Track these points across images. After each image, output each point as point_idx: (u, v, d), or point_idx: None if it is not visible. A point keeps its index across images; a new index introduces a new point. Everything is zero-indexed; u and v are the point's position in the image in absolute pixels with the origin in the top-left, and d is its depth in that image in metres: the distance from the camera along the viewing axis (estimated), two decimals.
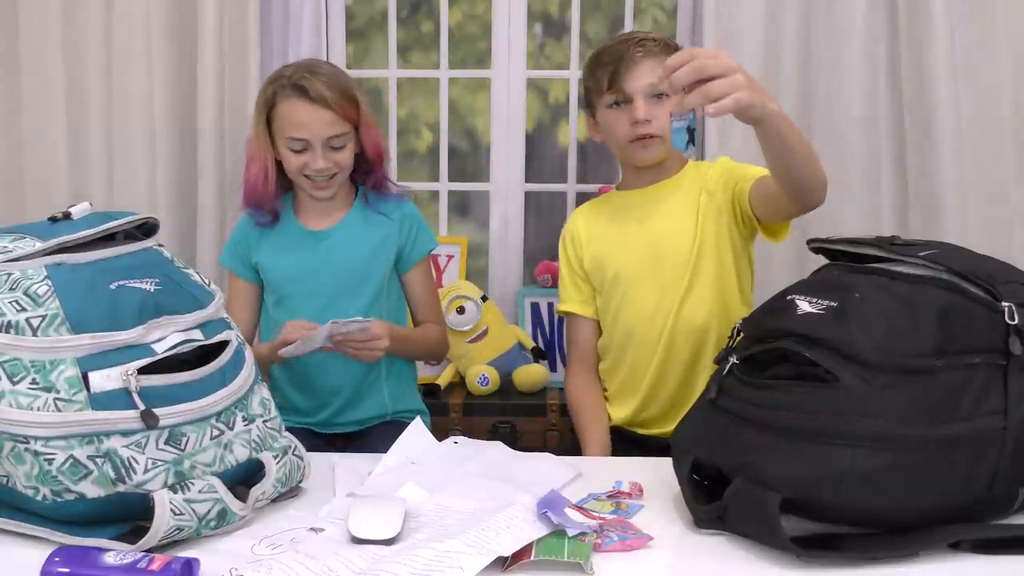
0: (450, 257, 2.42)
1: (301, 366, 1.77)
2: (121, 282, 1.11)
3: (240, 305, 1.84)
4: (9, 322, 1.04)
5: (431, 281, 1.90)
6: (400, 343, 1.73)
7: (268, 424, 1.21)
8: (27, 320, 1.04)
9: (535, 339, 2.38)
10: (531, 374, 2.27)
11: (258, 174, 1.77)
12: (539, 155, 2.56)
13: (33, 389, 1.02)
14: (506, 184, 2.47)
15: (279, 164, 1.77)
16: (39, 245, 1.09)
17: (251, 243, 1.81)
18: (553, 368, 2.36)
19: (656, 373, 1.72)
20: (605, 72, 1.70)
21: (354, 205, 1.83)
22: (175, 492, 1.05)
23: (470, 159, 2.59)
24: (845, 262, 1.20)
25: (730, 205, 1.68)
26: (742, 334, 1.20)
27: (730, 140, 2.20)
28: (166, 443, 1.06)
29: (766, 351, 1.13)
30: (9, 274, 1.07)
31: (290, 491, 1.22)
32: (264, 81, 1.79)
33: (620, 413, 1.78)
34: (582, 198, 2.47)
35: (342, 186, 1.80)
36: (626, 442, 1.75)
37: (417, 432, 1.43)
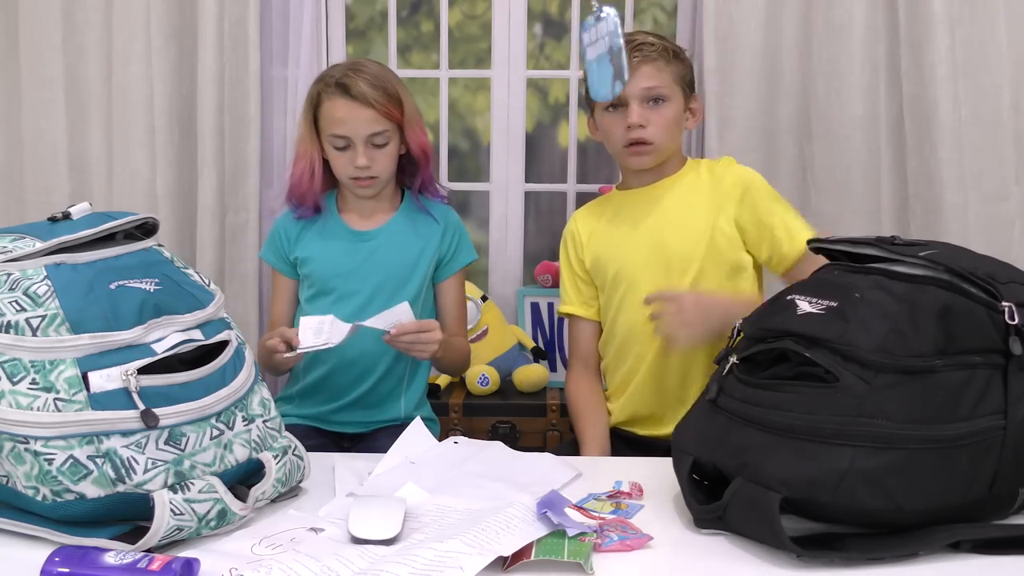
0: None
1: (331, 363, 1.77)
2: (121, 282, 1.11)
3: (282, 299, 1.86)
4: (9, 322, 1.04)
5: (463, 294, 1.90)
6: (444, 348, 1.71)
7: (268, 424, 1.21)
8: (27, 320, 1.04)
9: (535, 339, 2.38)
10: (531, 374, 2.27)
11: (304, 170, 1.78)
12: (539, 155, 2.56)
13: (33, 389, 1.02)
14: (506, 184, 2.47)
15: (326, 163, 1.78)
16: (39, 245, 1.09)
17: (291, 238, 1.83)
18: (553, 368, 2.36)
19: (653, 372, 1.72)
20: None
21: (400, 209, 1.83)
22: (175, 492, 1.05)
23: (470, 159, 2.59)
24: (845, 262, 1.20)
25: (744, 229, 1.68)
26: (742, 334, 1.20)
27: (730, 138, 2.20)
28: (166, 443, 1.06)
29: (766, 351, 1.13)
30: (9, 274, 1.07)
31: (290, 491, 1.22)
32: (312, 81, 1.80)
33: (618, 412, 1.78)
34: (582, 198, 2.47)
35: (387, 187, 1.81)
36: (624, 443, 1.75)
37: (417, 432, 1.43)
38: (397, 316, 1.59)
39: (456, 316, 1.86)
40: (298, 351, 1.57)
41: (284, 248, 1.84)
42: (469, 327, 2.26)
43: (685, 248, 1.69)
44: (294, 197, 1.82)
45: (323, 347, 1.55)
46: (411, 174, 1.83)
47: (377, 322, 1.58)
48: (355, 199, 1.82)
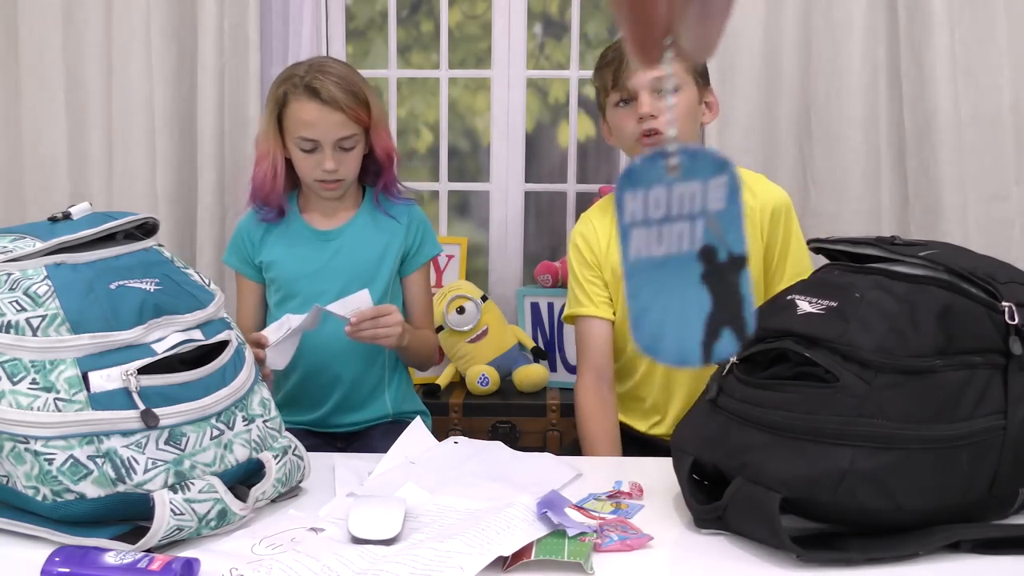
0: (450, 257, 2.42)
1: (308, 365, 1.77)
2: (121, 282, 1.11)
3: (248, 304, 1.84)
4: (9, 322, 1.04)
5: (429, 287, 1.89)
6: (409, 335, 1.71)
7: (268, 424, 1.21)
8: (27, 320, 1.04)
9: (535, 339, 2.38)
10: (531, 374, 2.27)
11: (267, 172, 1.76)
12: (539, 155, 2.56)
13: (33, 389, 1.02)
14: (506, 184, 2.47)
15: (288, 162, 1.77)
16: (39, 245, 1.09)
17: (255, 241, 1.81)
18: (553, 368, 2.36)
19: (670, 378, 1.70)
20: (609, 70, 1.66)
21: (362, 206, 1.82)
22: (175, 492, 1.05)
23: (470, 159, 2.59)
24: (845, 262, 1.20)
25: (763, 246, 1.65)
26: None
27: (730, 138, 2.20)
28: (166, 443, 1.06)
29: (766, 351, 1.13)
30: (9, 274, 1.07)
31: (290, 491, 1.22)
32: (275, 79, 1.78)
33: (636, 423, 1.74)
34: (582, 198, 2.48)
35: (350, 186, 1.80)
36: (624, 440, 1.73)
37: (417, 432, 1.43)
38: (357, 303, 1.59)
39: (423, 309, 1.86)
40: (268, 347, 1.56)
41: (248, 251, 1.81)
42: (469, 327, 2.26)
43: None
44: (258, 198, 1.79)
45: (288, 332, 1.56)
46: (374, 173, 1.81)
47: (338, 307, 1.58)
48: (317, 199, 1.80)
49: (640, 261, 0.45)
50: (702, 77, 1.68)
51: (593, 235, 1.73)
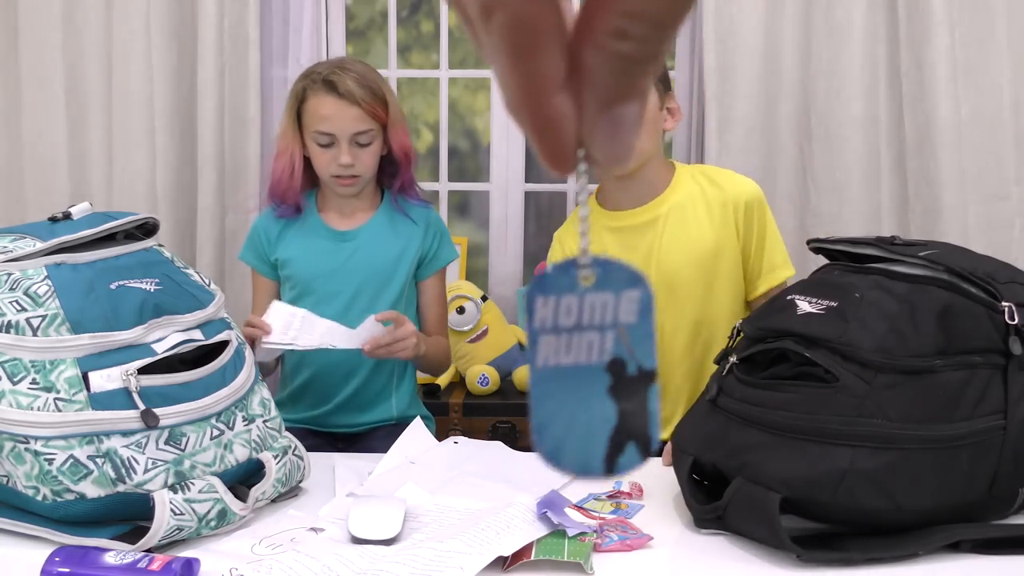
0: None
1: (315, 366, 1.77)
2: (121, 282, 1.11)
3: (263, 301, 1.83)
4: (9, 322, 1.04)
5: (444, 292, 1.89)
6: (424, 343, 1.71)
7: (268, 424, 1.21)
8: (27, 320, 1.04)
9: None
10: None
11: (285, 167, 1.77)
12: None
13: (33, 389, 1.02)
14: (506, 184, 2.47)
15: (306, 160, 1.77)
16: (39, 245, 1.09)
17: (271, 238, 1.81)
18: None
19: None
20: None
21: (380, 207, 1.83)
22: (175, 492, 1.05)
23: (470, 159, 2.59)
24: (845, 262, 1.20)
25: (740, 245, 1.63)
26: (742, 334, 1.20)
27: (730, 138, 2.20)
28: (166, 443, 1.06)
29: (766, 351, 1.13)
30: (9, 274, 1.07)
31: (290, 491, 1.22)
32: (297, 77, 1.80)
33: None
34: None
35: (368, 187, 1.80)
36: None
37: (417, 432, 1.43)
38: (369, 331, 1.59)
39: (437, 314, 1.86)
40: (264, 345, 1.55)
41: (264, 248, 1.81)
42: (469, 327, 2.26)
43: (690, 269, 1.61)
44: (276, 194, 1.80)
45: (288, 347, 1.55)
46: (391, 175, 1.82)
47: (352, 342, 1.58)
48: (336, 198, 1.80)
49: (547, 369, 0.44)
50: (663, 83, 1.63)
51: (571, 254, 1.73)
